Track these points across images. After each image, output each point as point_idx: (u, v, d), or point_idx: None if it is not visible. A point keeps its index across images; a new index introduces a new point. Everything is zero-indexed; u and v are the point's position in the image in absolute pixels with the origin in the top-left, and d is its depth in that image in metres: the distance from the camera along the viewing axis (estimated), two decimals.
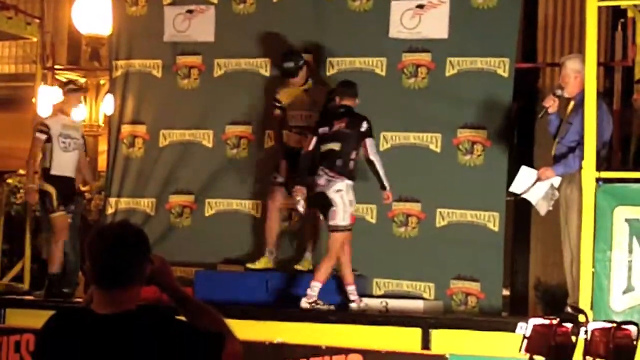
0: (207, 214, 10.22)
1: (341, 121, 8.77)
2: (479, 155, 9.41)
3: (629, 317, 7.39)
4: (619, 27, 11.07)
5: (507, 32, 9.51)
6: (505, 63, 9.40)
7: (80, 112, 12.12)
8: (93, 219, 12.42)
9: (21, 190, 13.89)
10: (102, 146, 10.60)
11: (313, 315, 8.48)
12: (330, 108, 9.24)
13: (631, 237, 7.75)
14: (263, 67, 10.21)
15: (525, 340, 5.98)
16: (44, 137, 9.75)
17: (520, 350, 6.01)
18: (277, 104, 9.50)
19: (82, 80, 13.49)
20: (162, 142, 10.47)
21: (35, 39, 11.94)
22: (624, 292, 7.72)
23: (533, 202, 8.44)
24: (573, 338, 6.06)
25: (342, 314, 8.60)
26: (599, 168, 7.85)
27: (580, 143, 7.98)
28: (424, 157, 9.52)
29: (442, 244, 9.37)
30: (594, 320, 6.62)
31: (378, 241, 9.41)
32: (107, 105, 11.38)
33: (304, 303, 8.51)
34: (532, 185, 8.34)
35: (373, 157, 8.67)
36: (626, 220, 7.77)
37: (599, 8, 8.09)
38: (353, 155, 8.70)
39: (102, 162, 11.63)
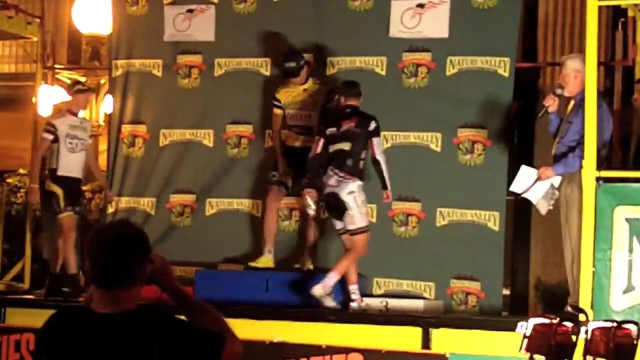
0: (207, 214, 10.22)
1: (350, 121, 8.78)
2: (479, 154, 9.41)
3: (629, 316, 7.38)
4: (620, 27, 11.07)
5: (508, 31, 9.51)
6: (506, 62, 9.40)
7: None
8: (93, 219, 12.42)
9: (21, 190, 13.90)
10: (102, 146, 10.60)
11: (313, 315, 8.48)
12: (330, 108, 9.27)
13: (631, 237, 7.74)
14: (263, 66, 10.21)
15: (526, 340, 5.98)
16: (50, 137, 9.69)
17: (520, 349, 6.01)
18: (276, 103, 9.50)
19: (83, 80, 13.48)
20: (162, 142, 10.47)
21: (35, 39, 11.94)
22: (624, 292, 7.72)
23: (533, 202, 8.44)
24: (573, 337, 6.06)
25: (343, 313, 8.60)
26: (599, 167, 7.84)
27: (580, 142, 7.98)
28: (424, 157, 9.52)
29: (443, 243, 9.37)
30: (594, 320, 6.62)
31: (378, 241, 9.38)
32: (108, 104, 11.37)
33: (318, 289, 8.48)
34: (532, 184, 8.34)
35: (379, 156, 8.68)
36: (626, 219, 7.77)
37: (600, 7, 8.09)
38: (363, 155, 8.72)
39: (102, 162, 11.62)
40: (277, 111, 9.51)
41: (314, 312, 8.55)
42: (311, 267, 9.35)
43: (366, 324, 8.35)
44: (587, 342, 6.04)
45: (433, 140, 9.55)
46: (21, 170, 13.79)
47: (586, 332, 6.06)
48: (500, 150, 9.37)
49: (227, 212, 10.16)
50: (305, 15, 10.07)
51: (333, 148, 8.78)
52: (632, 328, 6.09)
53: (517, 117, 10.94)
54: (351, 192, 8.61)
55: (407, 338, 8.10)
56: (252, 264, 9.33)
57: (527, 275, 12.03)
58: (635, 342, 6.08)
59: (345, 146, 8.73)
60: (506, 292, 10.72)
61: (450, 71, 9.58)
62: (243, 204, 10.11)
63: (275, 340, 8.24)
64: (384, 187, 8.72)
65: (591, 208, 7.77)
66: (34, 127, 11.59)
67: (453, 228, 9.40)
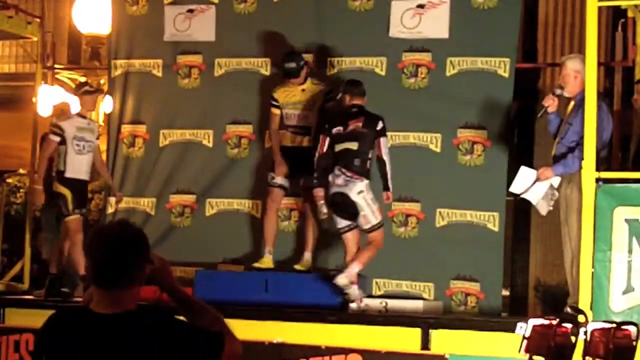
0: (207, 214, 10.21)
1: (357, 120, 8.79)
2: (479, 155, 9.41)
3: (629, 317, 7.39)
4: (619, 27, 11.06)
5: (508, 32, 9.51)
6: (506, 63, 9.40)
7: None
8: (93, 219, 12.42)
9: (21, 190, 13.90)
10: (102, 145, 10.61)
11: (313, 316, 8.48)
12: (330, 108, 9.28)
13: (631, 238, 7.74)
14: (264, 66, 10.21)
15: (525, 341, 5.98)
16: (57, 139, 9.65)
17: (519, 350, 6.01)
18: (274, 103, 9.50)
19: (83, 80, 13.48)
20: (162, 142, 10.47)
21: (35, 39, 11.94)
22: (624, 293, 7.72)
23: (533, 202, 8.44)
24: (572, 338, 6.06)
25: (342, 314, 8.60)
26: (598, 168, 7.84)
27: (580, 143, 7.98)
28: (424, 157, 9.52)
29: (442, 244, 9.37)
30: (593, 321, 6.61)
31: None
32: (107, 104, 11.36)
33: (342, 279, 8.52)
34: (532, 185, 8.34)
35: (385, 156, 8.70)
36: (626, 220, 7.77)
37: (600, 8, 8.09)
38: (370, 155, 8.75)
39: None
40: (275, 111, 9.50)
41: (313, 312, 8.55)
42: (311, 267, 9.35)
43: (365, 324, 8.36)
44: (587, 343, 6.04)
45: (433, 141, 9.55)
46: (21, 170, 13.80)
47: (585, 333, 6.06)
48: (500, 150, 9.37)
49: (227, 212, 10.16)
50: (306, 16, 10.07)
51: (339, 147, 8.79)
52: (632, 329, 6.10)
53: (517, 118, 10.95)
54: (360, 191, 8.64)
55: (407, 339, 8.10)
56: (256, 264, 9.33)
57: (527, 276, 12.03)
58: (634, 343, 6.08)
59: (353, 146, 8.75)
60: (506, 293, 10.73)
61: (450, 71, 9.58)
62: (243, 204, 10.11)
63: (274, 341, 8.25)
64: (386, 188, 8.73)
65: (591, 209, 7.77)
66: (34, 127, 11.59)
67: (452, 229, 9.39)
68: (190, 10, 10.46)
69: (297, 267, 9.36)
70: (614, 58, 11.33)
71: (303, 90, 9.41)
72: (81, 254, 9.66)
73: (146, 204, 10.44)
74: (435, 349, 8.00)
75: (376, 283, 9.45)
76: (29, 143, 11.67)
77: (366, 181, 8.69)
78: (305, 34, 10.01)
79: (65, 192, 9.60)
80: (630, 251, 7.74)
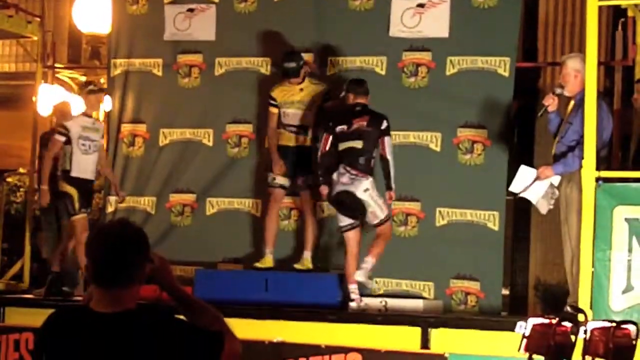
0: (208, 213, 10.21)
1: (361, 119, 8.82)
2: (479, 154, 9.41)
3: (629, 316, 7.38)
4: (620, 27, 11.07)
5: (508, 31, 9.51)
6: (506, 62, 9.40)
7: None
8: (92, 218, 12.42)
9: (21, 189, 13.90)
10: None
11: (312, 315, 8.48)
12: (328, 107, 9.30)
13: (631, 237, 7.74)
14: (264, 66, 10.21)
15: (525, 340, 5.98)
16: (62, 139, 9.64)
17: (519, 349, 6.01)
18: (272, 102, 9.51)
19: (83, 79, 13.48)
20: (162, 141, 10.47)
21: (35, 38, 11.94)
22: (624, 292, 7.72)
23: (533, 202, 8.43)
24: (572, 337, 6.06)
25: (342, 313, 8.60)
26: (598, 167, 7.84)
27: (580, 142, 7.98)
28: (423, 156, 9.52)
29: (442, 243, 9.37)
30: (593, 320, 6.61)
31: None
32: (107, 103, 11.36)
33: (361, 276, 8.62)
34: (531, 184, 8.34)
35: (389, 156, 8.75)
36: (626, 219, 7.77)
37: (600, 7, 8.09)
38: (374, 153, 8.78)
39: None
40: (273, 110, 9.51)
41: (313, 312, 8.56)
42: (310, 266, 9.35)
43: (365, 323, 8.36)
44: (586, 342, 6.04)
45: (433, 140, 9.55)
46: (21, 170, 13.80)
47: (585, 332, 6.06)
48: (500, 150, 9.37)
49: (227, 211, 10.16)
50: (306, 15, 10.07)
51: (344, 146, 8.81)
52: (631, 328, 6.10)
53: (517, 117, 10.95)
54: (366, 189, 8.70)
55: (406, 338, 8.10)
56: (258, 264, 9.34)
57: (527, 275, 12.03)
58: (634, 342, 6.08)
59: (357, 144, 8.78)
60: (505, 292, 10.72)
61: (450, 71, 9.58)
62: (243, 204, 10.11)
63: (274, 340, 8.25)
64: (389, 187, 8.77)
65: (591, 208, 7.77)
66: (34, 126, 11.60)
67: (452, 228, 9.40)
68: (191, 10, 10.46)
69: (296, 266, 9.36)
70: (614, 57, 11.33)
71: (301, 89, 9.42)
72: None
73: (146, 203, 10.44)
74: (435, 348, 8.00)
75: (376, 282, 9.44)
76: (29, 142, 11.68)
77: (371, 178, 8.74)
78: (305, 34, 10.01)
79: (72, 191, 9.60)
80: (630, 250, 7.74)
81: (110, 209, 10.51)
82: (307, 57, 9.65)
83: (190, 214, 10.29)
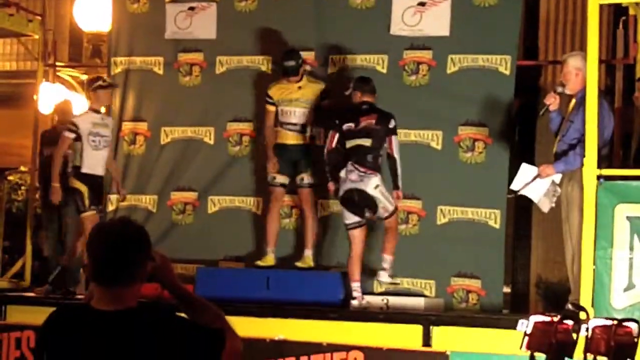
0: (209, 211, 10.21)
1: (369, 117, 8.85)
2: (480, 152, 9.41)
3: (630, 314, 7.38)
4: (621, 25, 11.07)
5: (509, 29, 9.51)
6: (507, 60, 9.40)
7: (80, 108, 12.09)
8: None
9: (22, 187, 13.90)
10: None
11: (314, 313, 8.49)
12: (325, 106, 9.34)
13: (632, 235, 7.74)
14: (265, 64, 10.21)
15: (526, 338, 5.98)
16: (72, 135, 9.61)
17: (521, 347, 6.01)
18: (269, 100, 9.51)
19: (84, 77, 13.48)
20: (163, 140, 10.47)
21: (36, 36, 11.94)
22: (625, 290, 7.72)
23: (535, 200, 8.44)
24: (574, 335, 6.05)
25: (343, 311, 8.60)
26: (600, 166, 7.84)
27: (581, 140, 7.98)
28: (425, 155, 9.52)
29: (443, 241, 9.37)
30: (595, 318, 6.61)
31: (379, 239, 9.39)
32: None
33: (384, 276, 8.83)
34: (531, 182, 8.34)
35: (396, 154, 8.81)
36: (627, 217, 7.77)
37: (601, 6, 8.08)
38: (381, 151, 8.82)
39: None
40: (270, 108, 9.52)
41: (314, 309, 8.56)
42: (312, 264, 9.35)
43: (367, 321, 8.36)
44: (588, 340, 6.04)
45: (434, 138, 9.55)
46: (22, 168, 13.80)
47: (587, 330, 6.06)
48: (501, 148, 9.37)
49: (228, 209, 10.16)
50: (307, 13, 10.07)
51: (351, 143, 8.85)
52: (633, 326, 6.09)
53: (518, 115, 10.93)
54: (377, 186, 8.77)
55: (408, 336, 8.11)
56: (259, 262, 9.34)
57: (528, 273, 12.02)
58: (635, 340, 6.08)
59: (366, 142, 8.82)
60: (507, 290, 10.72)
61: (451, 69, 9.58)
62: (244, 202, 10.11)
63: (276, 338, 8.25)
64: (396, 186, 8.82)
65: (592, 206, 7.77)
66: (35, 125, 11.59)
67: (454, 226, 9.40)
68: (192, 8, 10.46)
69: (298, 264, 9.36)
70: (615, 56, 11.34)
71: (299, 87, 9.42)
72: None
73: (147, 201, 10.44)
74: (436, 346, 8.01)
75: (377, 280, 9.44)
76: (29, 141, 11.67)
77: (379, 175, 8.80)
78: (306, 32, 10.01)
79: (82, 187, 9.57)
80: (631, 248, 7.74)
81: (111, 207, 10.50)
82: (306, 55, 9.64)
83: (191, 212, 10.29)
